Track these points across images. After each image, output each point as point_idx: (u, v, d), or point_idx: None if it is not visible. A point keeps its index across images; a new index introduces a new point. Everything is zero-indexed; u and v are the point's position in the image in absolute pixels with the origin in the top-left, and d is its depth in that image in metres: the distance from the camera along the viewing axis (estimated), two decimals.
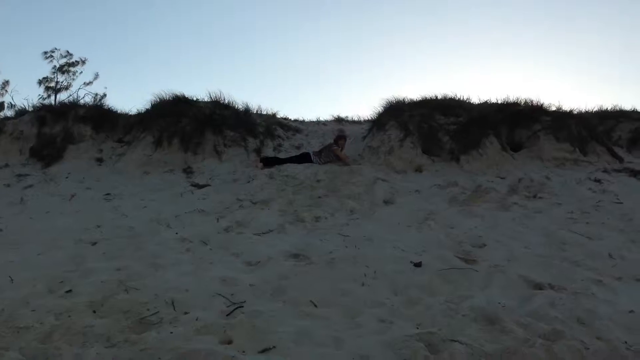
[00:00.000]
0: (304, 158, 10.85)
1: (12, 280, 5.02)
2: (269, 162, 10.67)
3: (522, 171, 10.23)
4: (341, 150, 10.93)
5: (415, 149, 10.76)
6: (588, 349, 4.09)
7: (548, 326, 4.45)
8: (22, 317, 4.23)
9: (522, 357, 3.96)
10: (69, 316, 4.36)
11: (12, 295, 4.63)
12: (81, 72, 22.12)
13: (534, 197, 8.80)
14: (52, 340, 3.98)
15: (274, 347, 4.05)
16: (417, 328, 4.42)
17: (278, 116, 13.67)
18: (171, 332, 4.19)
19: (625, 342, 4.26)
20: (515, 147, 11.46)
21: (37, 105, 12.89)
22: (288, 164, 10.70)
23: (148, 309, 4.57)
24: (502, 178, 9.88)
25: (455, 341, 4.16)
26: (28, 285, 4.91)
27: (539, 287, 5.38)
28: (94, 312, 4.45)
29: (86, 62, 23.32)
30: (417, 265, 5.90)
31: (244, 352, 3.94)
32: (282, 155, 11.30)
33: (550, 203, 8.48)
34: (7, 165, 10.43)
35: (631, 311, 4.84)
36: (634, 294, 5.34)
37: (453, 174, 10.10)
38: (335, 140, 11.11)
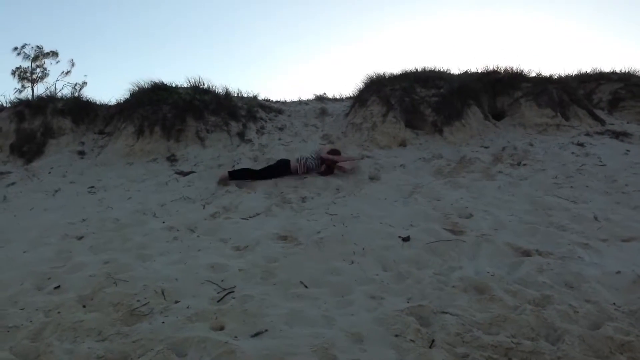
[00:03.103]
0: (282, 167, 8.88)
1: None
2: (238, 175, 8.76)
3: (505, 139, 10.26)
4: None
5: (398, 123, 10.74)
6: (577, 312, 4.15)
7: (537, 292, 4.51)
8: (11, 316, 4.20)
9: (513, 324, 4.01)
10: (59, 312, 4.34)
11: (0, 295, 4.59)
12: (58, 61, 21.77)
13: (518, 164, 8.84)
14: (43, 338, 3.95)
15: (266, 330, 4.05)
16: (408, 302, 4.45)
17: (259, 98, 13.56)
18: (163, 322, 4.18)
19: (614, 304, 4.32)
20: (498, 116, 11.48)
21: (15, 100, 12.64)
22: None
23: (138, 300, 4.55)
24: (485, 147, 9.91)
25: (445, 313, 4.20)
26: (15, 283, 4.87)
27: (526, 253, 5.44)
28: (84, 306, 4.42)
29: (58, 54, 22.91)
30: (405, 239, 5.92)
31: (236, 337, 3.94)
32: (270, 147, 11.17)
33: (534, 169, 8.53)
34: None
35: (618, 272, 4.90)
36: (620, 255, 5.41)
37: (437, 146, 10.11)
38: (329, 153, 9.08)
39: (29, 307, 4.37)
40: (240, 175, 8.68)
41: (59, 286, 4.82)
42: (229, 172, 8.76)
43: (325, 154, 8.90)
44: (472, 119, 10.82)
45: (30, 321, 4.19)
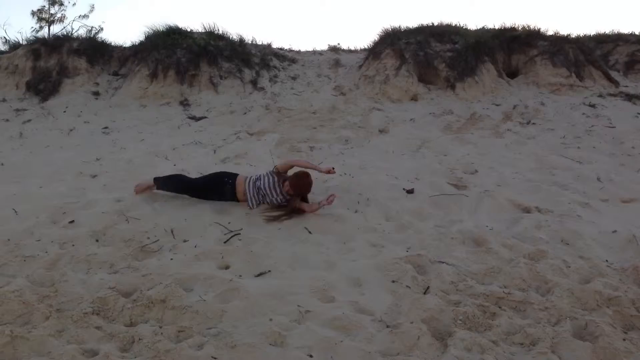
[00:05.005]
0: (216, 185, 5.80)
1: (15, 212, 5.18)
2: (166, 185, 5.90)
3: (517, 97, 10.26)
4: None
5: (411, 77, 10.74)
6: (569, 267, 4.29)
7: (532, 247, 4.65)
8: (28, 246, 4.41)
9: (506, 275, 4.17)
10: (73, 245, 4.55)
11: (17, 226, 4.79)
12: (74, 3, 21.59)
13: (528, 123, 8.88)
14: (58, 268, 4.17)
15: (270, 271, 4.25)
16: (407, 251, 4.61)
17: (273, 47, 13.54)
18: (171, 259, 4.38)
19: (606, 261, 4.46)
20: (512, 74, 11.45)
21: (31, 38, 12.70)
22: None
23: (148, 238, 4.75)
24: (497, 105, 9.93)
25: (442, 262, 4.36)
26: (31, 216, 5.07)
27: (526, 210, 5.56)
28: (97, 240, 4.63)
29: None
30: (410, 192, 6.05)
31: (240, 276, 4.13)
32: (282, 90, 11.20)
33: (543, 129, 8.57)
34: (4, 100, 10.44)
35: (614, 231, 5.03)
36: (619, 215, 5.52)
37: (448, 101, 10.13)
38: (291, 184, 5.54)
39: (45, 239, 4.58)
40: (168, 186, 5.89)
41: (73, 221, 5.02)
42: (155, 179, 5.95)
43: (286, 184, 5.54)
44: (485, 76, 10.79)
45: (46, 252, 4.40)
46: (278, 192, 5.57)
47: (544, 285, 4.05)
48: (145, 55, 11.49)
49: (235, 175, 5.83)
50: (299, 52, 14.48)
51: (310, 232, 5.04)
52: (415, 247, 4.70)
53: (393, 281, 4.11)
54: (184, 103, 10.36)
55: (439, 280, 4.08)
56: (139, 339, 3.27)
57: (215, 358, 3.11)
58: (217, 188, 5.76)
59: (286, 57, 12.97)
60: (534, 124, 8.83)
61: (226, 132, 8.65)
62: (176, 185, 5.88)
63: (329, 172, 5.76)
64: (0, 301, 3.54)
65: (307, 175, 5.54)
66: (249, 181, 5.68)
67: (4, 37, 15.38)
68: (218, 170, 6.20)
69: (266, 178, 5.66)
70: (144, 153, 7.50)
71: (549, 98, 10.19)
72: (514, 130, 8.56)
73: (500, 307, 3.76)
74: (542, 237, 4.85)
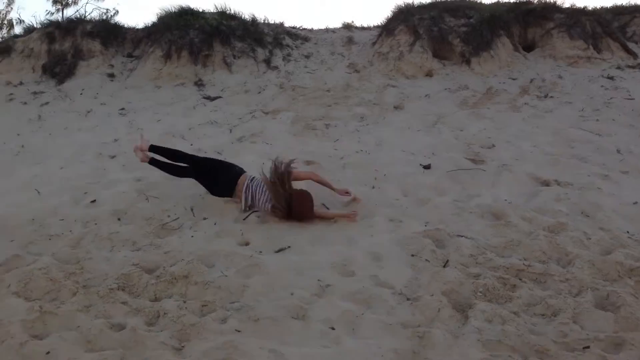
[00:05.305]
0: (225, 173, 5.19)
1: (39, 192, 5.26)
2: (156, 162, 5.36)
3: (534, 71, 10.15)
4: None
5: (426, 53, 10.64)
6: (590, 238, 4.29)
7: (552, 219, 4.64)
8: (52, 225, 4.48)
9: (526, 248, 4.17)
10: (96, 224, 4.62)
11: (41, 206, 4.87)
12: None
13: (545, 96, 8.79)
14: (82, 246, 4.25)
15: (289, 247, 4.29)
16: (425, 226, 4.62)
17: (285, 25, 13.45)
18: (192, 236, 4.44)
19: (627, 232, 4.45)
20: (528, 47, 11.30)
21: (45, 22, 12.73)
22: None
23: (169, 216, 4.81)
24: (513, 79, 9.83)
25: (461, 236, 4.37)
26: (55, 196, 5.14)
27: (545, 183, 5.54)
28: (119, 219, 4.69)
29: None
30: (426, 167, 6.05)
31: (261, 252, 4.18)
32: (295, 68, 11.15)
33: (561, 102, 8.48)
34: (21, 83, 10.51)
35: (635, 203, 5.02)
36: (639, 187, 5.48)
37: (464, 77, 10.04)
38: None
39: (68, 218, 4.65)
40: (166, 151, 5.46)
41: (95, 200, 5.09)
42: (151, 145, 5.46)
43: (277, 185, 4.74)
44: (501, 50, 10.67)
45: (70, 231, 4.48)
46: (268, 199, 4.83)
47: (564, 257, 4.05)
48: (159, 36, 11.48)
49: (241, 172, 5.17)
50: (311, 30, 14.37)
51: (328, 208, 5.06)
52: (433, 222, 4.71)
53: (412, 255, 4.13)
54: (199, 83, 10.36)
55: (458, 254, 4.09)
56: (164, 314, 3.33)
57: (239, 331, 3.17)
58: (222, 169, 5.20)
59: (299, 36, 12.88)
60: (551, 97, 8.74)
61: (241, 112, 8.66)
62: (174, 152, 5.40)
63: (346, 194, 5.12)
64: (29, 278, 3.62)
65: (310, 205, 4.72)
66: (248, 179, 5.06)
67: (19, 19, 15.43)
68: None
69: (261, 179, 4.95)
70: (161, 133, 7.53)
71: (566, 71, 10.07)
72: (532, 104, 8.47)
73: (520, 279, 3.77)
74: (561, 210, 4.84)
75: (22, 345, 2.94)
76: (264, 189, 4.86)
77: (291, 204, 4.68)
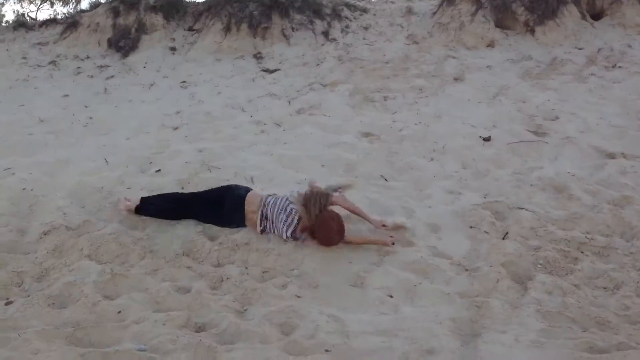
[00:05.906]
0: (229, 199, 4.29)
1: (107, 162, 5.47)
2: (145, 208, 4.38)
3: (602, 40, 9.74)
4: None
5: (488, 22, 10.37)
6: None
7: (617, 193, 4.53)
8: (119, 193, 4.67)
9: (589, 221, 4.09)
10: (161, 192, 4.78)
11: (109, 175, 5.07)
12: None
13: (613, 67, 8.45)
14: None
15: (347, 215, 4.32)
16: (485, 198, 4.59)
17: None
18: None
19: None
20: (596, 15, 10.83)
21: None
22: None
23: None
24: (580, 49, 9.48)
25: (521, 209, 4.32)
26: (121, 166, 5.34)
27: (611, 156, 5.38)
28: (182, 188, 4.84)
29: None
30: (487, 139, 5.96)
31: None
32: (353, 41, 11.08)
33: (630, 72, 8.14)
34: (88, 57, 10.86)
35: None
36: None
37: (527, 47, 9.75)
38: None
39: (135, 187, 4.83)
40: (149, 210, 4.37)
41: (159, 170, 5.26)
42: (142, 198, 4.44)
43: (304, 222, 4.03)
44: (567, 19, 10.28)
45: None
46: (288, 223, 4.01)
47: (629, 231, 3.96)
48: (219, 10, 11.63)
49: (245, 191, 4.32)
50: (370, 1, 14.21)
51: (386, 180, 5.08)
52: (493, 194, 4.67)
53: (471, 227, 4.13)
54: (257, 56, 10.46)
55: (518, 226, 4.06)
56: (227, 278, 3.46)
57: (299, 297, 3.26)
58: (228, 191, 4.35)
59: (357, 7, 12.77)
60: (620, 67, 8.39)
61: (300, 84, 8.70)
62: (167, 197, 4.44)
63: (383, 227, 4.12)
64: (100, 242, 3.81)
65: (335, 228, 3.86)
66: (264, 197, 4.24)
67: None
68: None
69: (281, 200, 4.17)
70: (221, 106, 7.67)
71: (636, 40, 9.62)
72: (599, 74, 8.16)
73: (582, 252, 3.72)
74: (627, 183, 4.70)
75: (94, 304, 3.12)
76: (282, 211, 4.05)
77: (314, 227, 3.93)
